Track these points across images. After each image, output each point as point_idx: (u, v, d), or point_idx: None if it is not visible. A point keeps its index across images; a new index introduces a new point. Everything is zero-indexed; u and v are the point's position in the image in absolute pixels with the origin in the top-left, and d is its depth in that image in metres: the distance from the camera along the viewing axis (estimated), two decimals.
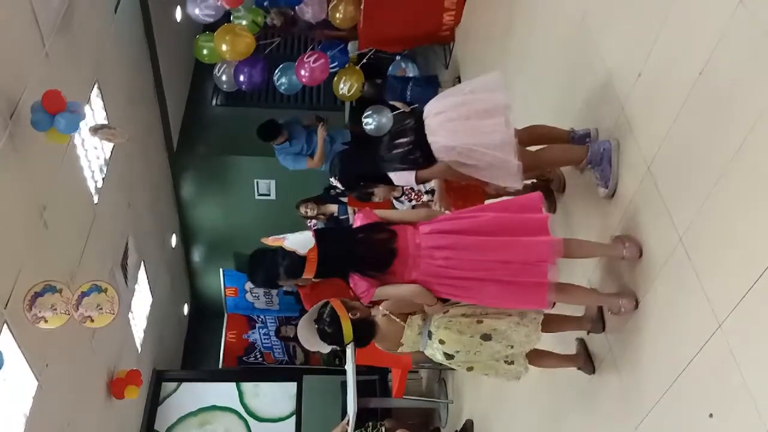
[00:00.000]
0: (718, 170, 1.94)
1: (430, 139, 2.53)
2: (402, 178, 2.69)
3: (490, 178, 2.58)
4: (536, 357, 2.58)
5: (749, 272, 1.79)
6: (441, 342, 2.45)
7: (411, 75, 5.61)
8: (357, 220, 2.43)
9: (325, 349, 2.51)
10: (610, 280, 2.55)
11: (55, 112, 3.25)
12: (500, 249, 2.22)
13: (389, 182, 2.73)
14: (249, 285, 7.63)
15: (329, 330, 2.38)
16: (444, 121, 2.52)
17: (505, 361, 2.50)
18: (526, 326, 2.42)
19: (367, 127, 5.36)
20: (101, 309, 3.42)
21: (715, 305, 1.93)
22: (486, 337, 2.41)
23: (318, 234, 2.37)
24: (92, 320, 3.43)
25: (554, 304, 2.96)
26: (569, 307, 2.82)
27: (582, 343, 2.73)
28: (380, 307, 2.46)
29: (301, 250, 2.30)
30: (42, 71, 3.71)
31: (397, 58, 5.81)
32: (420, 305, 2.45)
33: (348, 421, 4.93)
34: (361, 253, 2.30)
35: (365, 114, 5.37)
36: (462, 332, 2.42)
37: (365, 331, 2.43)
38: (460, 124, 2.50)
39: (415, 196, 3.64)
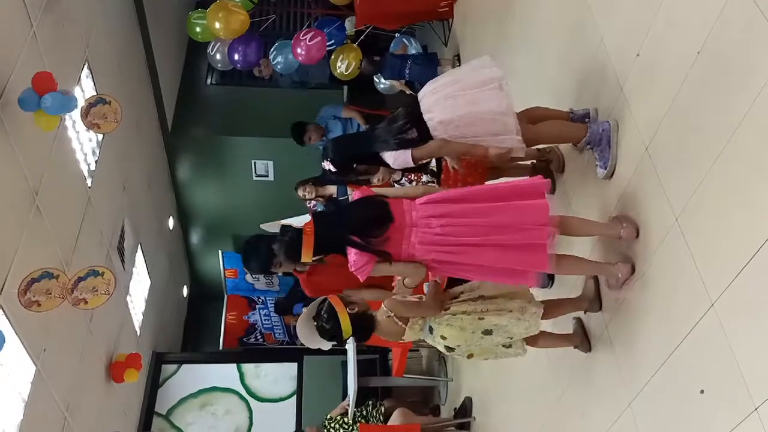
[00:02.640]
0: (715, 151, 1.93)
1: (426, 116, 2.51)
2: (398, 159, 2.65)
3: (490, 142, 2.53)
4: (534, 337, 2.60)
5: (742, 253, 1.80)
6: (442, 337, 2.47)
7: (412, 52, 5.53)
8: (354, 197, 2.42)
9: (326, 346, 2.51)
10: (607, 258, 2.53)
11: (43, 92, 3.19)
12: (496, 213, 2.20)
13: (383, 164, 2.69)
14: None
15: (327, 326, 2.39)
16: (439, 98, 2.50)
17: (504, 345, 2.51)
18: (527, 321, 2.44)
19: (380, 87, 5.44)
20: (96, 291, 3.40)
21: (708, 284, 1.94)
22: (487, 332, 2.44)
23: (315, 213, 2.36)
24: (86, 302, 3.42)
25: (553, 281, 2.97)
26: (566, 289, 2.81)
27: (579, 322, 2.74)
28: (383, 306, 2.45)
29: (297, 224, 2.29)
30: (30, 51, 3.63)
31: (397, 35, 5.71)
32: (422, 313, 2.46)
33: (348, 402, 4.97)
34: (355, 218, 2.26)
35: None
36: (464, 329, 2.43)
37: (364, 327, 2.43)
38: (454, 100, 2.48)
39: (416, 177, 3.61)
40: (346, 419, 4.97)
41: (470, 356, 2.54)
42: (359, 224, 2.24)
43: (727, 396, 1.85)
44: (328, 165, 2.64)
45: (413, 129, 2.55)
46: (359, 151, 2.72)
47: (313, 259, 2.30)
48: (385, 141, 2.61)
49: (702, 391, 1.95)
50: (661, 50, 2.27)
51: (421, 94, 2.58)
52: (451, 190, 2.32)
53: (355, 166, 2.70)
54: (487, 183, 2.94)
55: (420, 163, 2.70)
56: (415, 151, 2.57)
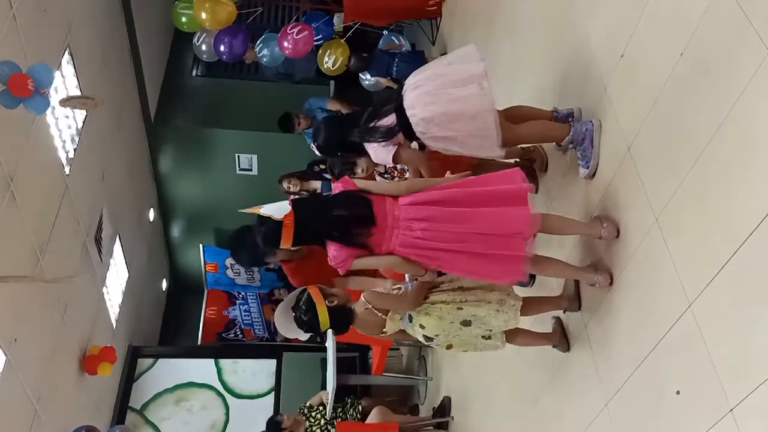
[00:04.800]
0: (696, 153, 1.94)
1: (409, 113, 2.51)
2: (379, 154, 2.64)
3: (470, 150, 2.53)
4: (513, 335, 2.59)
5: (720, 255, 1.81)
6: (421, 326, 2.45)
7: (404, 49, 5.52)
8: (336, 189, 2.37)
9: (303, 336, 2.49)
10: (587, 258, 2.55)
11: (22, 96, 3.14)
12: (477, 221, 2.18)
13: (367, 155, 2.70)
14: (230, 261, 7.55)
15: (305, 318, 2.37)
16: (421, 94, 2.49)
17: (483, 337, 2.50)
18: (506, 313, 2.42)
19: (366, 83, 5.41)
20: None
21: (686, 285, 1.95)
22: (466, 323, 2.43)
23: (295, 201, 2.33)
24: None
25: (534, 279, 2.96)
26: (546, 287, 2.81)
27: (558, 321, 2.74)
28: (362, 298, 2.42)
29: (277, 216, 2.25)
30: (9, 35, 3.55)
31: (385, 32, 5.69)
32: (401, 306, 2.43)
33: (327, 393, 4.94)
34: (338, 217, 2.23)
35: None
36: (442, 318, 2.42)
37: (343, 319, 2.40)
38: (435, 96, 2.47)
39: (398, 173, 3.59)
40: (324, 412, 4.93)
41: (449, 347, 2.52)
42: (341, 222, 2.22)
43: (703, 397, 1.85)
44: (314, 147, 2.65)
45: (397, 126, 2.54)
46: (346, 138, 2.72)
47: (292, 248, 2.29)
48: (370, 134, 2.60)
49: (678, 392, 1.96)
50: (645, 51, 2.28)
51: (405, 88, 2.56)
52: (435, 190, 2.28)
53: (339, 153, 2.75)
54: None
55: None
56: (400, 156, 2.61)
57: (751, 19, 1.77)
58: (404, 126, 2.52)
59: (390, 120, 2.57)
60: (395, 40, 5.56)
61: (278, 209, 2.24)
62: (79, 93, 4.39)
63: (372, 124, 2.60)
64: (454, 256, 2.21)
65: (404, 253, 2.24)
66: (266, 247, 2.37)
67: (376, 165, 3.29)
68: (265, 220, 2.26)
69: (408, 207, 2.23)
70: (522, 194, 2.22)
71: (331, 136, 2.78)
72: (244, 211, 2.41)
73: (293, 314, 2.42)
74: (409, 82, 2.55)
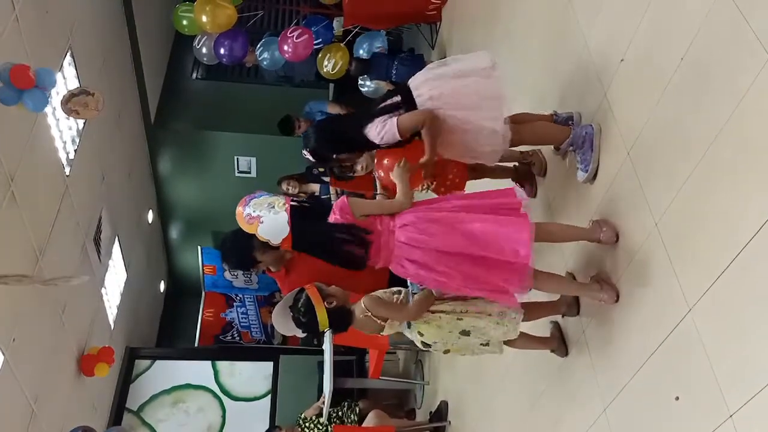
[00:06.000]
0: (696, 158, 1.94)
1: (415, 93, 2.48)
2: (384, 133, 2.48)
3: (476, 135, 2.49)
4: (511, 339, 2.58)
5: (720, 259, 1.81)
6: (419, 333, 2.47)
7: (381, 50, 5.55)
8: (333, 213, 2.35)
9: (302, 334, 2.50)
10: (588, 268, 2.54)
11: (22, 87, 3.15)
12: (471, 276, 2.25)
13: (368, 145, 2.54)
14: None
15: (304, 319, 2.37)
16: (428, 78, 2.49)
17: (481, 344, 2.51)
18: (505, 326, 2.43)
19: (365, 89, 5.42)
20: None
21: (686, 290, 1.95)
22: (465, 333, 2.43)
23: (293, 218, 2.31)
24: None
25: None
26: (545, 293, 2.81)
27: (556, 326, 2.74)
28: (362, 304, 2.42)
29: (275, 241, 2.28)
30: (11, 37, 3.56)
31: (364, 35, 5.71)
32: (401, 318, 2.46)
33: (323, 400, 4.94)
34: (335, 260, 2.36)
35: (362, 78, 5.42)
36: (441, 327, 2.43)
37: (341, 320, 2.40)
38: (443, 80, 2.47)
39: None
40: (320, 420, 4.94)
41: (447, 351, 2.53)
42: (340, 265, 2.35)
43: (702, 403, 1.85)
44: (306, 153, 2.57)
45: (398, 96, 2.50)
46: (342, 129, 2.61)
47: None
48: (370, 113, 2.52)
49: (677, 398, 1.95)
50: (645, 56, 2.29)
51: (410, 80, 2.56)
52: (430, 225, 2.25)
53: (335, 156, 2.60)
54: (465, 191, 2.91)
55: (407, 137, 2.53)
56: (401, 119, 2.44)
57: (750, 24, 1.78)
58: (410, 108, 2.47)
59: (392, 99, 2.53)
60: (377, 42, 5.58)
61: (276, 232, 2.26)
62: (77, 82, 4.38)
63: (377, 108, 2.54)
64: (443, 288, 2.35)
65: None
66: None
67: (373, 161, 3.21)
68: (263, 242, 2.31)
69: (403, 246, 2.26)
70: (523, 262, 2.17)
71: (322, 135, 2.64)
72: (241, 222, 2.41)
73: (291, 315, 2.42)
74: (415, 76, 2.56)
